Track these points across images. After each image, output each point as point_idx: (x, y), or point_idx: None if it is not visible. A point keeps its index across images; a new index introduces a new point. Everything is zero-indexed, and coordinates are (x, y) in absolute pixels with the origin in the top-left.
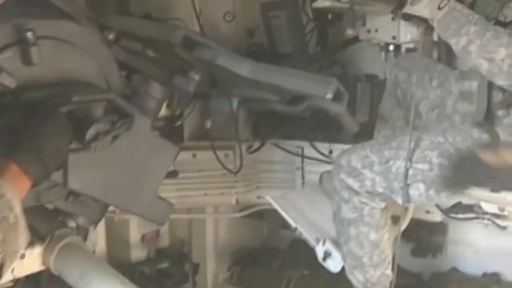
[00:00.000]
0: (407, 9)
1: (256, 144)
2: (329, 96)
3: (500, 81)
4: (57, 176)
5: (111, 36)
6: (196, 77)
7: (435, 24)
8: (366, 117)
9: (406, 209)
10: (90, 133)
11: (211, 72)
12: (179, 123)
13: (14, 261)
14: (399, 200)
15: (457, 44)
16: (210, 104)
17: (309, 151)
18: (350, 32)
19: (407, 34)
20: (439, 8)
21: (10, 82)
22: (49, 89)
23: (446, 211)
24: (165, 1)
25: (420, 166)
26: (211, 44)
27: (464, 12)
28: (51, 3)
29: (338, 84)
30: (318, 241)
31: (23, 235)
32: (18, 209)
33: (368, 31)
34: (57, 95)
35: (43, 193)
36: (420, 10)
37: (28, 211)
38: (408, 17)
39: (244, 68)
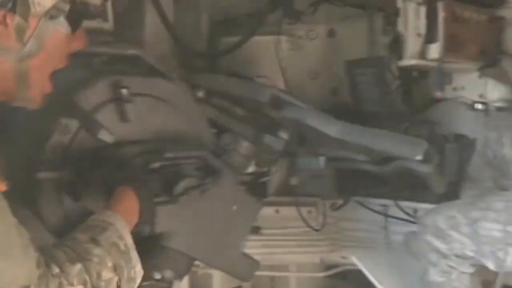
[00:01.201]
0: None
1: (340, 202)
2: (419, 157)
3: None
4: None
5: (201, 94)
6: (285, 136)
7: None
8: (454, 177)
9: (498, 274)
10: (180, 186)
11: (299, 131)
12: (265, 179)
13: None
14: (491, 266)
15: None
16: (296, 160)
17: (393, 210)
18: (439, 94)
19: (495, 92)
20: None
21: (109, 138)
22: (143, 145)
23: None
24: (251, 58)
25: (508, 228)
26: (300, 104)
27: None
28: (145, 61)
29: (427, 146)
30: None
31: (138, 265)
32: (128, 239)
33: (454, 89)
34: (151, 151)
35: None
36: None
37: None
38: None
39: (333, 128)
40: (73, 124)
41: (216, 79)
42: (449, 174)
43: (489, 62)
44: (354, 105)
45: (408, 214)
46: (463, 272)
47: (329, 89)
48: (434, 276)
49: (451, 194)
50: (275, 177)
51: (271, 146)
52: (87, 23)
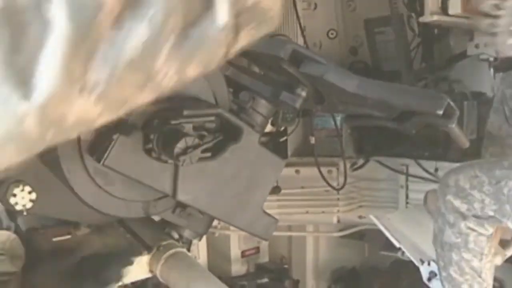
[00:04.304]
0: None
1: (360, 161)
2: (439, 112)
3: None
4: (166, 187)
5: None
6: (303, 93)
7: None
8: (474, 135)
9: None
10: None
11: (317, 88)
12: (283, 139)
13: None
14: (511, 225)
15: None
16: (314, 120)
17: (414, 169)
18: None
19: None
20: None
21: None
22: (160, 103)
23: None
24: None
25: None
26: (320, 59)
27: None
28: None
29: (448, 100)
30: (422, 262)
31: None
32: None
33: (476, 46)
34: (169, 109)
35: (151, 205)
36: None
37: (136, 222)
38: None
39: (352, 83)
40: None
41: None
42: (469, 131)
43: None
44: (373, 64)
45: (429, 173)
46: (480, 234)
47: (348, 48)
48: (450, 236)
49: (472, 152)
50: (295, 137)
51: (288, 104)
52: None
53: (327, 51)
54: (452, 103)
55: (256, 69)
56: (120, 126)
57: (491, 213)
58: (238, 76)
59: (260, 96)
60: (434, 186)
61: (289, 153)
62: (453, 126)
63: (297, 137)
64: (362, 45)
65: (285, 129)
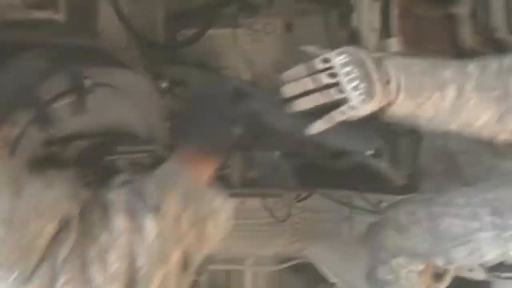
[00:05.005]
0: None
1: (305, 193)
2: (369, 152)
3: None
4: None
5: (164, 85)
6: (238, 130)
7: None
8: (411, 170)
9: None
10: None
11: (255, 125)
12: (223, 172)
13: None
14: (440, 262)
15: None
16: (254, 153)
17: (358, 201)
18: None
19: None
20: None
21: (59, 131)
22: (96, 138)
23: (490, 270)
24: (217, 49)
25: (469, 224)
26: (260, 97)
27: None
28: (107, 51)
29: (379, 139)
30: None
31: None
32: None
33: None
34: (103, 145)
35: None
36: None
37: None
38: None
39: (289, 121)
40: (23, 117)
41: (179, 70)
42: (404, 167)
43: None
44: None
45: (372, 204)
46: (411, 271)
47: None
48: (383, 274)
49: (410, 186)
50: (238, 169)
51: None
52: (37, 14)
53: (274, 84)
54: (382, 143)
55: None
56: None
57: (424, 250)
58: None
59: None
60: (377, 218)
61: (234, 184)
62: (383, 166)
63: (242, 168)
64: None
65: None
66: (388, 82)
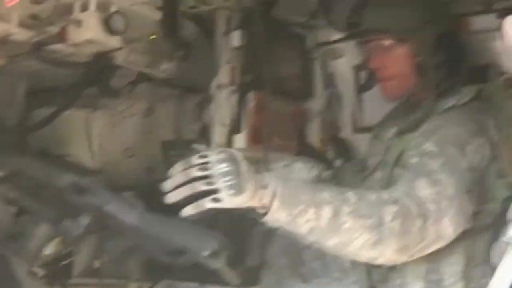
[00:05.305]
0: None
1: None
2: (206, 253)
3: None
4: None
5: (1, 173)
6: (85, 222)
7: None
8: (258, 262)
9: None
10: None
11: (100, 217)
12: (67, 261)
13: None
14: None
15: None
16: (101, 243)
17: None
18: None
19: None
20: None
21: None
22: None
23: None
24: (64, 134)
25: None
26: (99, 190)
27: None
28: None
29: (219, 241)
30: None
31: None
32: None
33: None
34: None
35: None
36: None
37: None
38: None
39: (131, 216)
40: None
41: (18, 161)
42: (252, 259)
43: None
44: None
45: None
46: None
47: (144, 168)
48: None
49: (251, 280)
50: (81, 258)
51: (69, 232)
52: None
53: (123, 170)
54: (222, 244)
55: (43, 192)
56: None
57: None
58: (21, 199)
59: (42, 220)
60: None
61: (74, 274)
62: (220, 267)
63: (84, 258)
64: (159, 165)
65: (71, 251)
66: (264, 187)
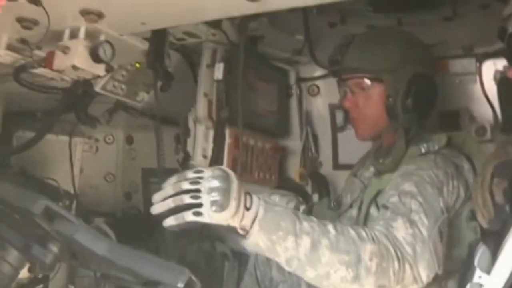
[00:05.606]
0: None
1: None
2: (180, 285)
3: None
4: None
5: None
6: (55, 249)
7: None
8: None
9: None
10: None
11: (70, 245)
12: (42, 285)
13: None
14: None
15: None
16: (75, 269)
17: None
18: None
19: None
20: None
21: None
22: None
23: None
24: (46, 157)
25: None
26: (71, 218)
27: None
28: None
29: (190, 274)
30: None
31: None
32: None
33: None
34: None
35: None
36: None
37: None
38: None
39: (100, 246)
40: None
41: None
42: None
43: None
44: (145, 211)
45: None
46: None
47: (123, 193)
48: None
49: None
50: (57, 283)
51: (39, 258)
52: None
53: (103, 194)
54: (193, 277)
55: (15, 216)
56: None
57: None
58: None
59: (11, 246)
60: None
61: None
62: None
63: (59, 283)
64: (137, 192)
65: (47, 276)
66: (247, 209)
